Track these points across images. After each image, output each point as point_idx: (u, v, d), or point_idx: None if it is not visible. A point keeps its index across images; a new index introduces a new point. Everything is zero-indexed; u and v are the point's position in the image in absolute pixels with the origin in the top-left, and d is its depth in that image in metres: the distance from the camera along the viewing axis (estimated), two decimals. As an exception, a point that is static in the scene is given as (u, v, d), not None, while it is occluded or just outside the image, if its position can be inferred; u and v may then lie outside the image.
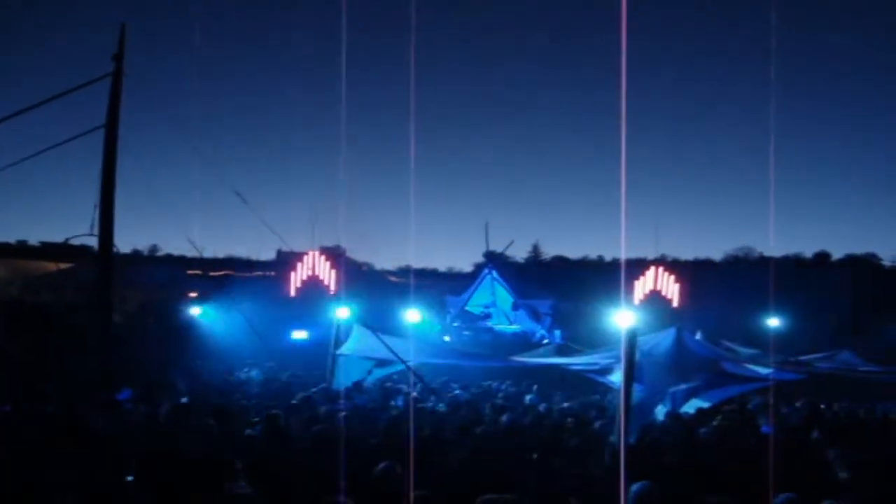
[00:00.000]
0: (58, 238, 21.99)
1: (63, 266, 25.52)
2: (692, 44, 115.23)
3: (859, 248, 70.35)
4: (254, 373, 19.64)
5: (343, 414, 11.37)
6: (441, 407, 14.64)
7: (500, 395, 17.56)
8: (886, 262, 64.26)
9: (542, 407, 15.16)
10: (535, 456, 9.68)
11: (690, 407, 15.16)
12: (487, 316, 33.27)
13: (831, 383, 19.68)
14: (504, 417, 12.67)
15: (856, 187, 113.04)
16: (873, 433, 13.63)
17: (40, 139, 15.68)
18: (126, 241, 49.69)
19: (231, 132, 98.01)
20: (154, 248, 59.94)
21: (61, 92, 14.78)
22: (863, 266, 61.90)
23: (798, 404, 16.88)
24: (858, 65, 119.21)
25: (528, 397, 17.09)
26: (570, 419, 13.18)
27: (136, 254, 52.52)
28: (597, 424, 12.90)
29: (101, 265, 15.10)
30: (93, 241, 15.25)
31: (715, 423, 13.26)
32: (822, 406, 16.85)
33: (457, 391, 17.33)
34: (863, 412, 17.34)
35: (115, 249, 15.33)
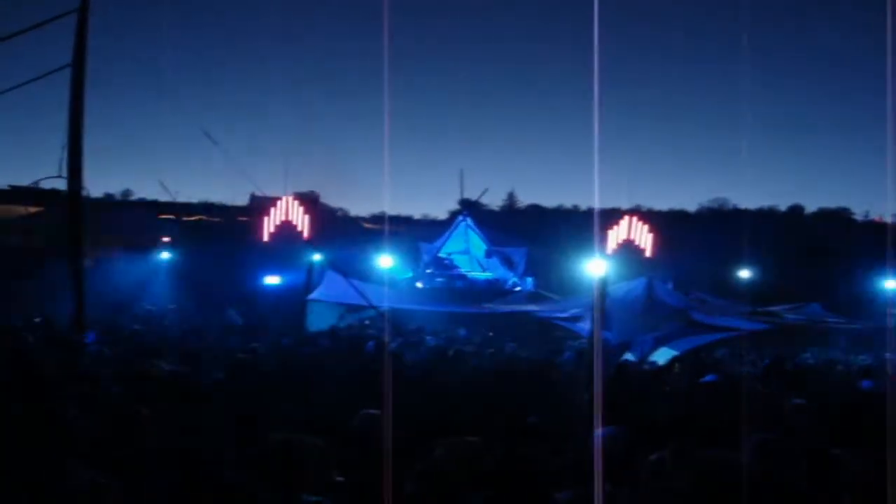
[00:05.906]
0: (26, 181, 21.62)
1: (33, 210, 25.20)
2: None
3: (832, 202, 70.70)
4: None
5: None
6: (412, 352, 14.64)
7: (471, 342, 17.60)
8: (858, 217, 64.80)
9: (513, 353, 15.28)
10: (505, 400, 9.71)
11: (659, 356, 15.31)
12: (452, 264, 33.18)
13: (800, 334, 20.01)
14: (474, 362, 12.75)
15: (832, 142, 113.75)
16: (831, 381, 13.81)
17: (5, 78, 15.24)
18: (98, 184, 49.16)
19: (204, 75, 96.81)
20: (127, 193, 59.22)
21: (25, 28, 14.34)
22: (835, 220, 62.38)
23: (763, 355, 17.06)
24: (833, 18, 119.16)
25: (508, 345, 17.08)
26: (538, 364, 13.28)
27: (108, 198, 51.91)
28: (564, 370, 12.99)
29: (70, 208, 14.85)
30: (62, 184, 14.98)
31: (676, 370, 13.42)
32: (784, 356, 17.04)
33: (427, 338, 17.34)
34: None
35: (85, 193, 15.06)
